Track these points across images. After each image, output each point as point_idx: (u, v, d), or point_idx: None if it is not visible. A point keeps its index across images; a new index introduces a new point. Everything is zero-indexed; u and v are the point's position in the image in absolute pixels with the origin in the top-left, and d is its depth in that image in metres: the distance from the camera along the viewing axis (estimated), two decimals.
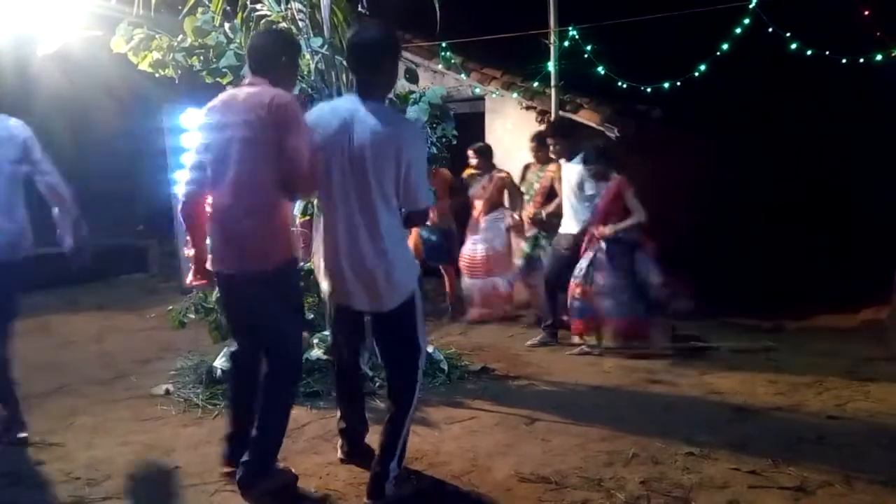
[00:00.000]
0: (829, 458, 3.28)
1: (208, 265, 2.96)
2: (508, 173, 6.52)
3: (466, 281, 6.61)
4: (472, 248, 6.55)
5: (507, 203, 6.58)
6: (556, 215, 5.99)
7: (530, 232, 6.24)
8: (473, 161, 6.51)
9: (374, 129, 2.71)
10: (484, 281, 6.49)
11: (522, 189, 6.34)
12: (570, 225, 5.70)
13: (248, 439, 2.90)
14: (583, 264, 5.37)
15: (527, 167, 6.42)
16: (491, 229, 6.49)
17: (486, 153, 6.54)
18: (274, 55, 2.91)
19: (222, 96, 2.93)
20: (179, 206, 3.00)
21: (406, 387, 2.93)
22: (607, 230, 5.28)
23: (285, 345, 2.94)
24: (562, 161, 5.81)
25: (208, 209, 2.95)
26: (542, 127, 6.66)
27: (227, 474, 3.02)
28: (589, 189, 5.49)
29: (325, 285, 2.97)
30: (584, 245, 5.45)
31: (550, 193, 6.13)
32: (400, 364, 2.97)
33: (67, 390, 4.60)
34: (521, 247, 6.37)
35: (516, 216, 6.43)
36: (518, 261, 6.36)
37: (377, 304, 2.88)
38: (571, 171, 5.62)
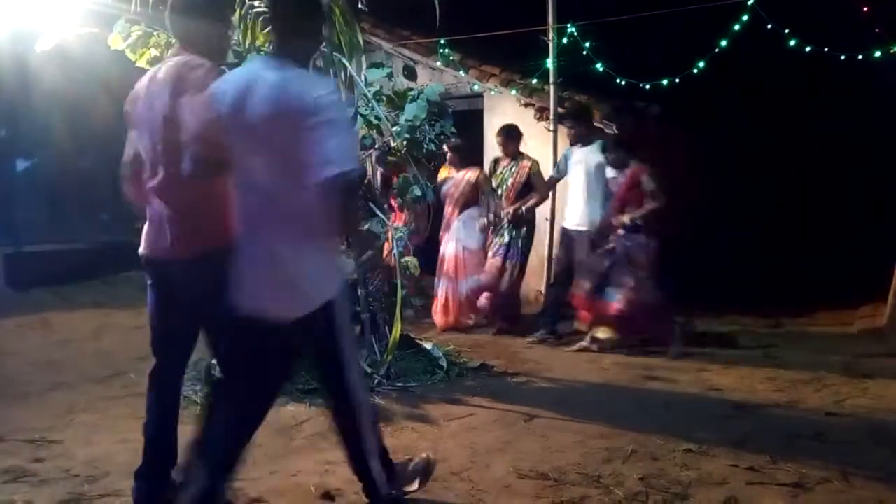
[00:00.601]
0: (827, 455, 3.29)
1: (141, 250, 2.70)
2: (483, 171, 6.39)
3: (436, 283, 6.32)
4: (444, 248, 6.30)
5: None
6: (533, 211, 6.04)
7: (501, 228, 6.08)
8: (447, 156, 6.31)
9: (275, 86, 2.24)
10: (456, 284, 6.21)
11: (494, 184, 6.19)
12: (581, 215, 5.63)
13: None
14: (604, 260, 5.31)
15: (496, 161, 6.29)
16: (464, 228, 6.25)
17: (461, 150, 6.36)
18: (197, 19, 2.59)
19: (147, 73, 2.71)
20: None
21: (342, 405, 2.53)
22: (625, 218, 5.25)
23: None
24: (576, 147, 5.78)
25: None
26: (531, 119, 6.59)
27: None
28: (610, 173, 5.48)
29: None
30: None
31: (524, 188, 6.04)
32: (327, 381, 2.60)
33: (66, 387, 4.59)
34: (497, 239, 6.11)
35: (490, 217, 6.16)
36: (497, 243, 6.06)
37: (281, 311, 2.34)
38: (590, 157, 5.60)
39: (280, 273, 2.32)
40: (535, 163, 6.06)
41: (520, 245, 6.03)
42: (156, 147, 2.56)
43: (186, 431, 3.71)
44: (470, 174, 6.31)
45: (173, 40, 4.42)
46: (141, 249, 2.72)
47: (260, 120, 2.25)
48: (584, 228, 5.61)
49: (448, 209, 6.37)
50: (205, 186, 2.51)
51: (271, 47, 2.45)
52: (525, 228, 6.06)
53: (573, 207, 5.75)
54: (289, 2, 2.42)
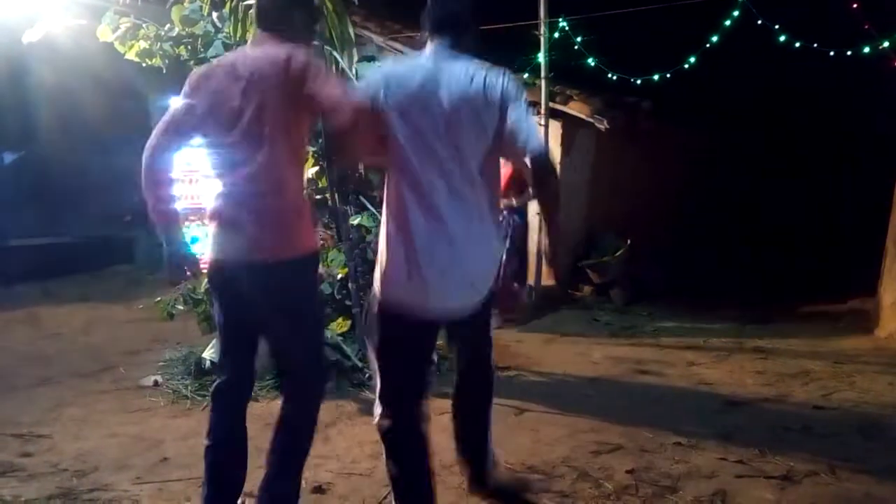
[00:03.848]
0: (814, 448, 3.31)
1: (206, 255, 2.52)
2: None
3: None
4: None
5: None
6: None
7: None
8: None
9: (464, 81, 2.34)
10: None
11: None
12: None
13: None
14: None
15: None
16: None
17: None
18: (285, 8, 2.52)
19: (220, 61, 2.56)
20: (148, 160, 2.42)
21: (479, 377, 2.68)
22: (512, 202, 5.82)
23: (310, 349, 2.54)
24: None
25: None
26: None
27: None
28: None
29: (378, 287, 2.39)
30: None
31: (520, 182, 6.09)
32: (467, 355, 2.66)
33: (55, 382, 4.57)
34: None
35: None
36: None
37: (476, 299, 2.40)
38: None
39: (491, 259, 2.43)
40: None
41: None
42: (262, 129, 2.36)
43: (180, 426, 3.72)
44: None
45: (162, 33, 4.44)
46: (214, 255, 2.47)
47: (459, 103, 2.31)
48: None
49: None
50: (297, 187, 2.47)
51: (443, 42, 2.45)
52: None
53: None
54: (465, 8, 2.53)
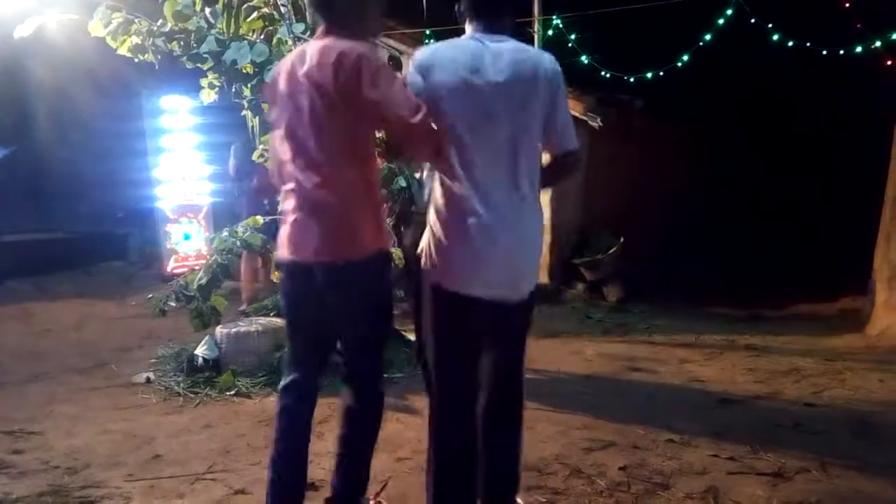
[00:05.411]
0: (805, 445, 3.33)
1: (279, 253, 2.45)
2: None
3: None
4: None
5: None
6: None
7: None
8: None
9: (515, 60, 2.22)
10: None
11: None
12: None
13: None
14: None
15: None
16: None
17: None
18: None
19: (286, 60, 2.44)
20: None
21: (519, 399, 2.45)
22: None
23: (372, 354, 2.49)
24: None
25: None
26: None
27: None
28: None
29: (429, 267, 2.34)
30: None
31: None
32: (512, 366, 2.46)
33: (46, 378, 4.55)
34: None
35: None
36: None
37: (516, 291, 2.31)
38: None
39: (537, 246, 2.36)
40: None
41: None
42: (321, 137, 2.28)
43: (172, 422, 3.72)
44: None
45: (155, 28, 4.42)
46: (284, 254, 2.41)
47: (506, 86, 2.20)
48: None
49: None
50: (362, 185, 2.35)
51: (483, 24, 2.29)
52: None
53: None
54: None
